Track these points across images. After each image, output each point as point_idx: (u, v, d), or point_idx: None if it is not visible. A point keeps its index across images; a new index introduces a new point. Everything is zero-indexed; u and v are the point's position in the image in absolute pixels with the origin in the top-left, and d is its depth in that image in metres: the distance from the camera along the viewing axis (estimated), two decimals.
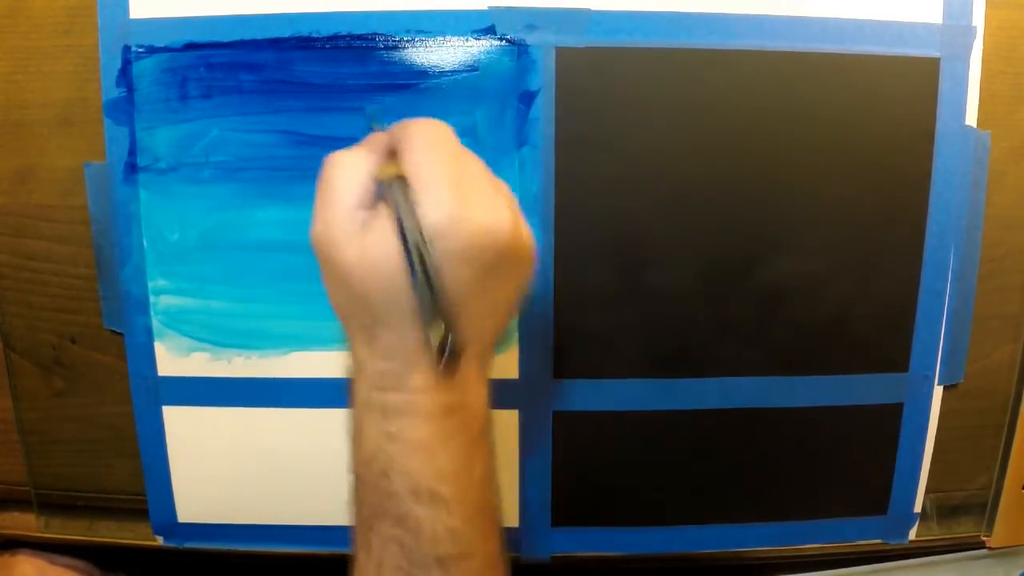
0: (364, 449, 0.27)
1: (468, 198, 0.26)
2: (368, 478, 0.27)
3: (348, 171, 0.27)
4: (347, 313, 0.29)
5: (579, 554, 0.46)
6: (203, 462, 0.44)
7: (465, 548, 0.27)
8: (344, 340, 0.29)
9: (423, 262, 0.25)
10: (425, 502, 0.26)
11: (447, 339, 0.26)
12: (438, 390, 0.27)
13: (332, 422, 0.43)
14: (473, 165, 0.28)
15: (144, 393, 0.44)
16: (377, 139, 0.29)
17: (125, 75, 0.40)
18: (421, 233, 0.25)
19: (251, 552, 0.46)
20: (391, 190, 0.26)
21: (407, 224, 0.25)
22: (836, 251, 0.42)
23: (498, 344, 0.31)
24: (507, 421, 0.43)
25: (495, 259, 0.27)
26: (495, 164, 0.40)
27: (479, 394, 0.29)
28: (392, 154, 0.28)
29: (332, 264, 0.27)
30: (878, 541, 0.47)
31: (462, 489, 0.27)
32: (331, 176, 0.28)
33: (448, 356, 0.26)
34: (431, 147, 0.27)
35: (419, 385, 0.27)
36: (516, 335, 0.42)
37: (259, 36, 0.40)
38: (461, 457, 0.27)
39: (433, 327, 0.26)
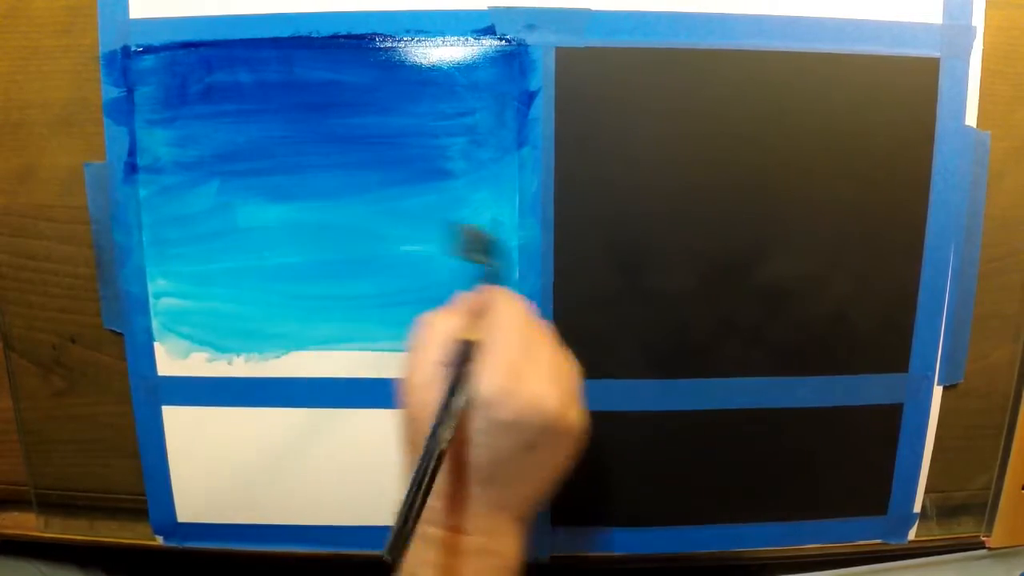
0: (406, 566, 0.30)
1: (523, 377, 0.29)
2: None
3: (434, 331, 0.32)
4: (406, 451, 0.33)
5: (579, 554, 0.46)
6: (203, 462, 0.44)
7: None
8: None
9: (440, 424, 0.29)
10: None
11: (406, 522, 0.28)
12: (472, 532, 0.31)
13: (331, 422, 0.43)
14: (540, 345, 0.31)
15: (144, 393, 0.44)
16: (463, 300, 0.34)
17: (125, 75, 0.40)
18: (455, 396, 0.29)
19: (251, 552, 0.46)
20: (459, 353, 0.30)
21: (456, 386, 0.29)
22: (836, 251, 0.42)
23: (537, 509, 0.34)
24: None
25: (536, 435, 0.30)
26: (495, 164, 0.41)
27: (509, 545, 0.32)
28: (477, 316, 0.32)
29: (404, 405, 0.32)
30: (878, 541, 0.47)
31: None
32: (420, 334, 0.32)
33: (399, 539, 0.28)
34: (505, 324, 0.31)
35: (455, 524, 0.30)
36: None
37: (259, 35, 0.40)
38: None
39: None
